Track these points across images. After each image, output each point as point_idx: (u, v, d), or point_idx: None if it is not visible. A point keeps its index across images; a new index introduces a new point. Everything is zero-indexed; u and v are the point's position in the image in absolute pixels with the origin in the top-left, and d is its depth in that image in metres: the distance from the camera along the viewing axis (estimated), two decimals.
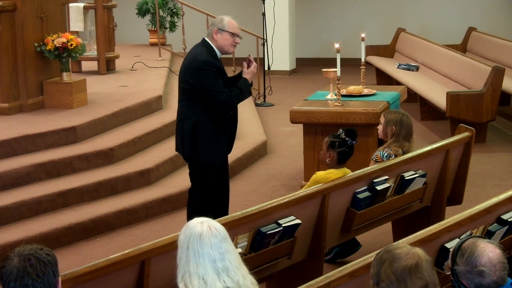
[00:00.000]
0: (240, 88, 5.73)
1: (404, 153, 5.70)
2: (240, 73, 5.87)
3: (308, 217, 4.94)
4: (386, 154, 5.69)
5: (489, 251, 3.10)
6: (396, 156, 5.67)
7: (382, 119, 5.89)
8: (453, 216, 4.51)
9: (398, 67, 11.81)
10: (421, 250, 2.99)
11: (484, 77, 9.26)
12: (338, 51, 6.84)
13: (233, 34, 5.68)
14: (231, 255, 3.16)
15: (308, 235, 5.03)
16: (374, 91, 7.57)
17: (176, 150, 5.96)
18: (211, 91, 5.61)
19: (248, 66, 5.81)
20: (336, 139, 5.54)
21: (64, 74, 8.02)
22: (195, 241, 3.12)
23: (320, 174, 5.43)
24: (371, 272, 2.99)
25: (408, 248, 2.98)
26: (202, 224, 3.17)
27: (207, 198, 5.82)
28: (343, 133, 5.55)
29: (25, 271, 2.80)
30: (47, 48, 7.75)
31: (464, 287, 3.14)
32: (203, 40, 5.76)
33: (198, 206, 5.74)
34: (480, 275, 3.08)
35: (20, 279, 2.80)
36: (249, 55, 6.00)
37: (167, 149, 7.87)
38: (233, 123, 5.89)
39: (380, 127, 5.91)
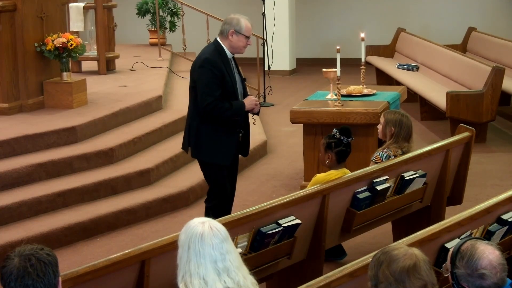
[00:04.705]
0: (231, 105, 5.65)
1: (403, 153, 5.70)
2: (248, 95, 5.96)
3: (308, 217, 4.95)
4: (385, 155, 5.68)
5: (488, 253, 3.10)
6: (395, 156, 5.67)
7: (382, 119, 5.89)
8: (453, 216, 4.51)
9: (398, 67, 11.81)
10: (418, 250, 2.99)
11: (484, 77, 9.26)
12: (338, 51, 6.85)
13: (248, 37, 5.73)
14: (232, 255, 3.16)
15: (308, 235, 5.03)
16: (374, 91, 7.57)
17: (182, 147, 5.98)
18: (200, 90, 5.62)
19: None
20: (331, 139, 5.55)
21: (64, 74, 8.02)
22: (196, 241, 3.12)
23: (320, 176, 5.43)
24: (368, 274, 2.99)
25: (405, 248, 2.98)
26: (203, 224, 3.16)
27: (227, 196, 5.84)
28: (338, 133, 5.56)
29: (26, 271, 2.81)
30: (47, 48, 7.75)
31: None
32: (215, 39, 5.78)
33: (217, 207, 5.76)
34: (481, 277, 3.07)
35: (21, 279, 2.80)
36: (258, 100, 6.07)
37: (167, 149, 7.88)
38: (245, 124, 5.88)
39: (379, 127, 5.90)
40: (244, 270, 3.20)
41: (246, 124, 5.91)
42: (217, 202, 5.82)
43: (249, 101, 5.80)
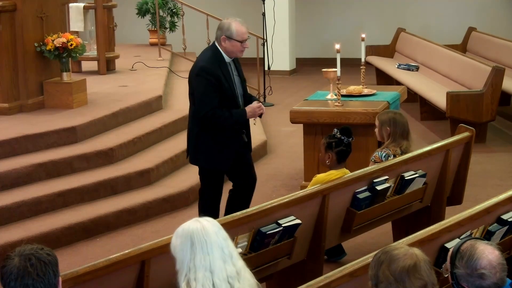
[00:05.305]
0: (231, 114, 5.61)
1: (402, 152, 5.70)
2: (252, 99, 5.86)
3: (308, 217, 4.95)
4: (384, 154, 5.69)
5: (488, 253, 3.10)
6: (395, 156, 5.67)
7: (376, 122, 5.89)
8: (453, 216, 4.51)
9: (398, 67, 11.81)
10: (419, 250, 2.99)
11: (484, 77, 9.26)
12: (338, 51, 6.85)
13: (241, 41, 5.63)
14: (230, 242, 3.23)
15: (308, 235, 5.03)
16: (374, 91, 7.57)
17: (186, 152, 5.99)
18: (197, 99, 5.61)
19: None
20: (332, 139, 5.55)
21: (64, 74, 8.02)
22: (200, 234, 3.15)
23: (320, 176, 5.43)
24: (369, 274, 2.99)
25: (405, 248, 2.98)
26: (198, 221, 3.22)
27: (216, 200, 5.85)
28: (338, 133, 5.56)
29: (26, 270, 2.81)
30: (47, 48, 7.75)
31: None
32: (213, 43, 5.74)
33: (209, 206, 5.79)
34: (480, 277, 3.08)
35: (21, 278, 2.80)
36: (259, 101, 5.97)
37: (167, 149, 7.88)
38: (246, 125, 5.86)
39: (376, 130, 5.92)
40: (242, 262, 3.24)
41: (247, 125, 5.90)
42: (210, 203, 5.83)
43: (251, 110, 5.72)
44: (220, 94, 5.58)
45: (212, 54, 5.65)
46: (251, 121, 5.98)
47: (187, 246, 3.15)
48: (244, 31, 5.65)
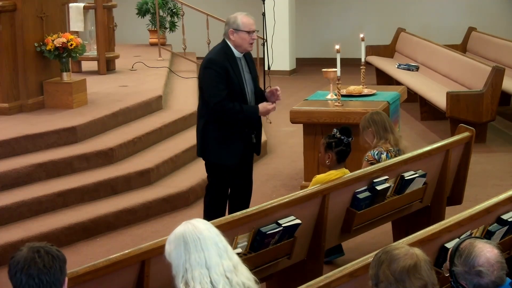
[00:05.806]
0: (242, 109, 5.62)
1: (393, 147, 5.72)
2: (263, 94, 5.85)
3: (308, 217, 4.95)
4: (377, 152, 5.71)
5: (486, 251, 3.10)
6: (388, 153, 5.68)
7: (361, 130, 5.92)
8: (453, 216, 4.51)
9: (398, 67, 11.81)
10: (419, 250, 2.99)
11: (484, 77, 9.26)
12: (338, 51, 6.85)
13: (249, 32, 5.65)
14: (223, 237, 3.23)
15: (308, 235, 5.03)
16: (374, 91, 7.58)
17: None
18: (206, 91, 5.62)
19: (274, 97, 5.76)
20: (332, 139, 5.56)
21: (64, 74, 8.02)
22: (192, 233, 3.15)
23: (320, 177, 5.42)
24: (369, 273, 2.99)
25: (406, 248, 2.98)
26: (188, 223, 3.22)
27: (222, 197, 5.84)
28: (338, 132, 5.57)
29: (33, 261, 2.82)
30: (47, 48, 7.75)
31: None
32: (222, 40, 5.76)
33: (213, 204, 5.80)
34: (478, 275, 3.08)
35: (27, 268, 2.80)
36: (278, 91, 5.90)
37: (167, 149, 7.88)
38: (257, 124, 5.85)
39: (366, 139, 5.95)
40: (237, 256, 3.26)
41: (259, 124, 5.89)
42: (214, 202, 5.83)
43: (264, 107, 5.73)
44: (228, 88, 5.59)
45: (221, 48, 5.69)
46: (266, 120, 5.92)
47: (180, 247, 3.15)
48: (251, 22, 5.69)
